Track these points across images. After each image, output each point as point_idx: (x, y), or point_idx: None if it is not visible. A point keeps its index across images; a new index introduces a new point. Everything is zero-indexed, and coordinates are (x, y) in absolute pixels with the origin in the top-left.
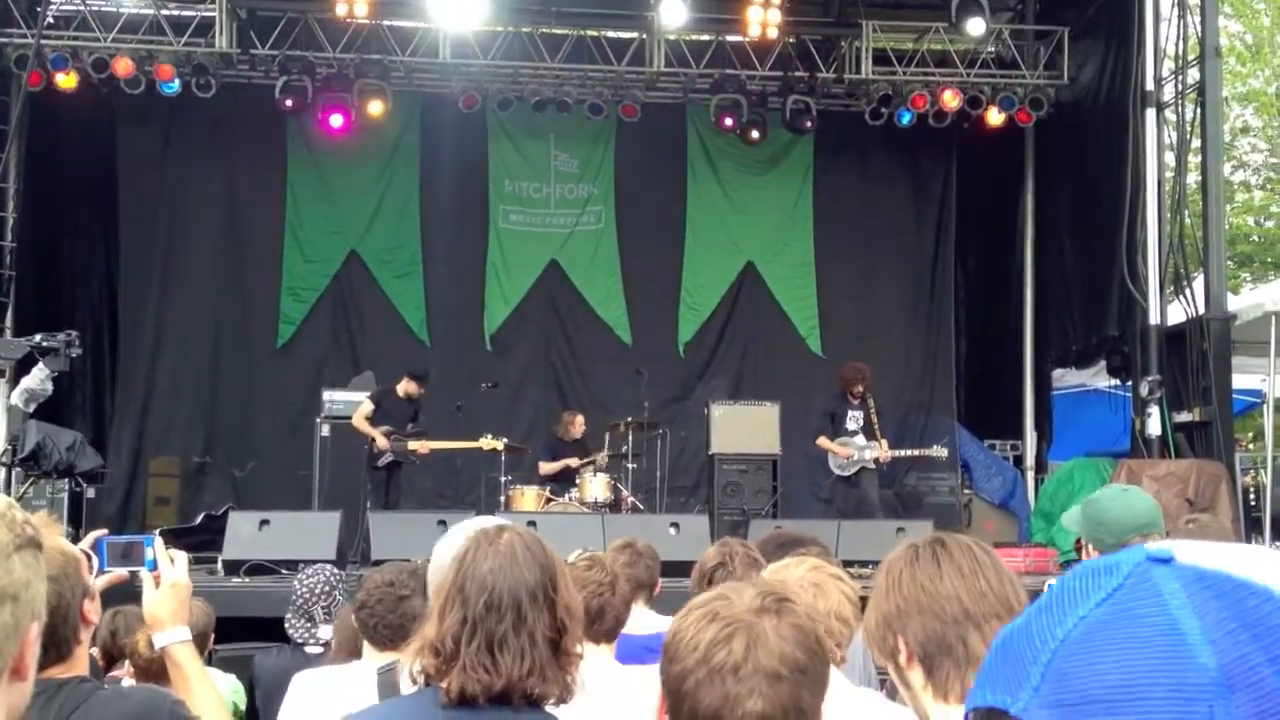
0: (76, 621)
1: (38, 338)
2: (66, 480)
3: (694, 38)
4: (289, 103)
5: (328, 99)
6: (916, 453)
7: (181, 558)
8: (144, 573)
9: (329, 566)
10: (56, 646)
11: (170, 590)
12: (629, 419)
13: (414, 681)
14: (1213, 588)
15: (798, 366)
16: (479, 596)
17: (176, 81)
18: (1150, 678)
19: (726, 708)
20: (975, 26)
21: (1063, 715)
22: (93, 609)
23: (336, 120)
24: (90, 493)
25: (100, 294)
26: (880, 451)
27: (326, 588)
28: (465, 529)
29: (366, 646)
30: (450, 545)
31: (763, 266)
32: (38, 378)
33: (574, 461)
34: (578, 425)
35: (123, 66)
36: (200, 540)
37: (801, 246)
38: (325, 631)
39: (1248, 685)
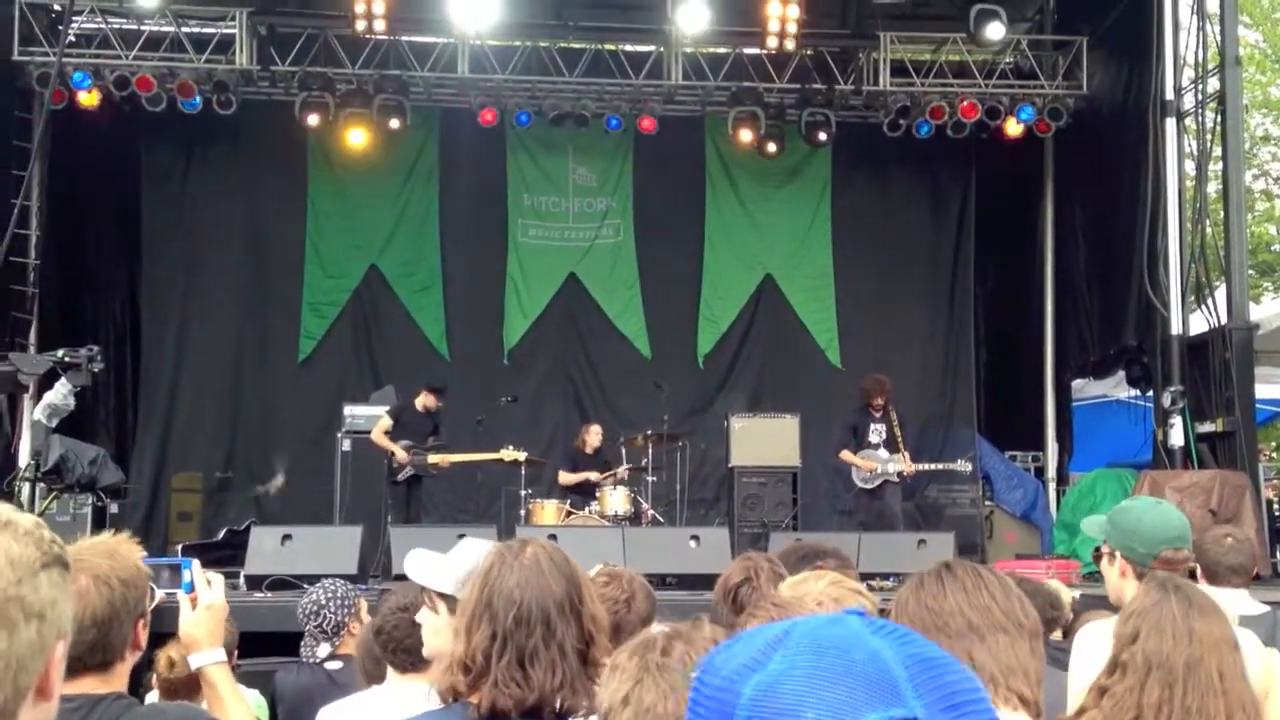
0: (129, 636)
1: (60, 353)
2: (89, 495)
3: (711, 50)
4: (310, 119)
5: (348, 115)
6: (940, 466)
7: (218, 580)
8: (181, 594)
9: (327, 581)
10: (103, 651)
11: (207, 612)
12: (648, 432)
13: (443, 701)
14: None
15: (817, 379)
16: (508, 611)
17: (198, 98)
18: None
19: None
20: (994, 31)
21: None
22: (144, 634)
23: (356, 136)
24: (114, 508)
25: (123, 310)
26: (904, 464)
27: (315, 608)
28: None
29: (390, 670)
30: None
31: (781, 279)
32: (60, 393)
33: (594, 475)
34: (593, 435)
35: (144, 84)
36: (223, 555)
37: (820, 259)
38: (323, 650)
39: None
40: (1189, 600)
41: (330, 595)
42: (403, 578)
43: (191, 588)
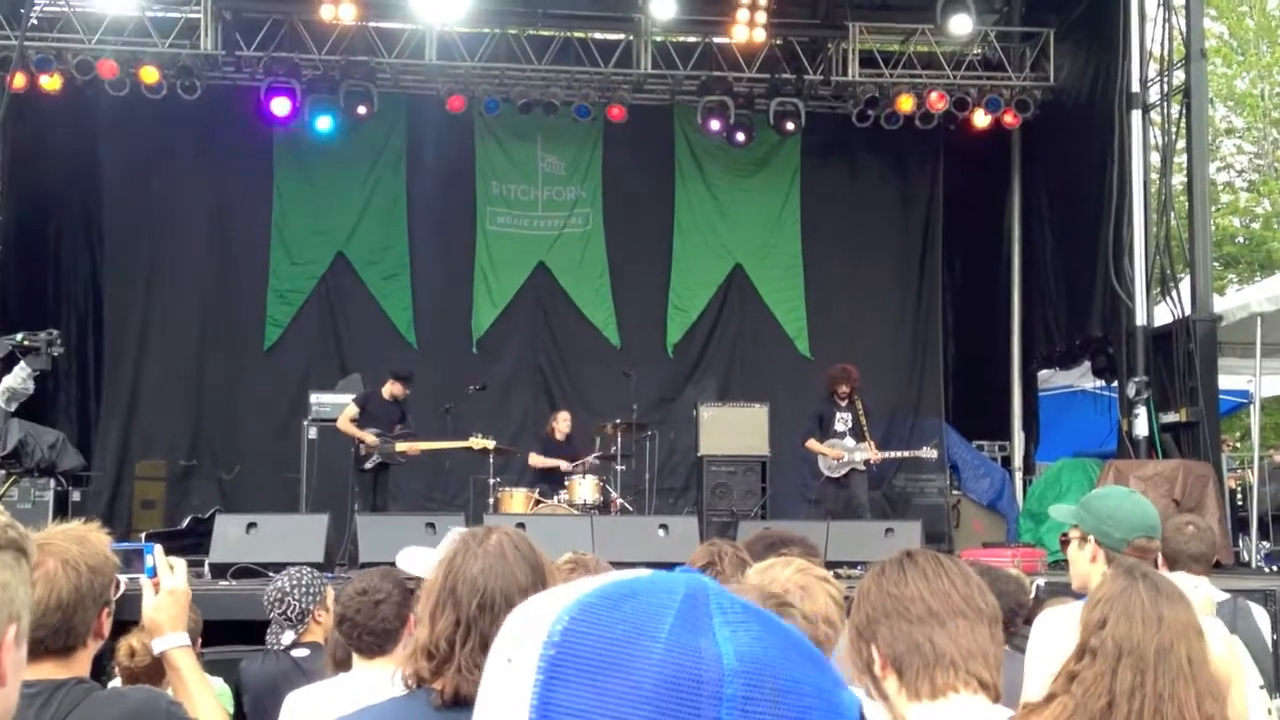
0: (92, 622)
1: (19, 336)
2: (50, 480)
3: (681, 40)
4: (284, 105)
5: (314, 101)
6: (906, 454)
7: (180, 565)
8: (144, 579)
9: (293, 569)
10: (66, 636)
11: (170, 597)
12: (617, 420)
13: (406, 687)
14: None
15: (786, 368)
16: (471, 598)
17: (162, 84)
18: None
19: None
20: (960, 25)
21: None
22: (107, 622)
23: (323, 122)
24: (76, 495)
25: (86, 296)
26: (871, 452)
27: (279, 595)
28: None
29: (355, 657)
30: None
31: (751, 268)
32: (19, 376)
33: (565, 465)
34: (562, 423)
35: (107, 68)
36: (187, 543)
37: (789, 248)
38: (287, 637)
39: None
40: (1156, 587)
41: (295, 583)
42: (370, 565)
43: (154, 572)
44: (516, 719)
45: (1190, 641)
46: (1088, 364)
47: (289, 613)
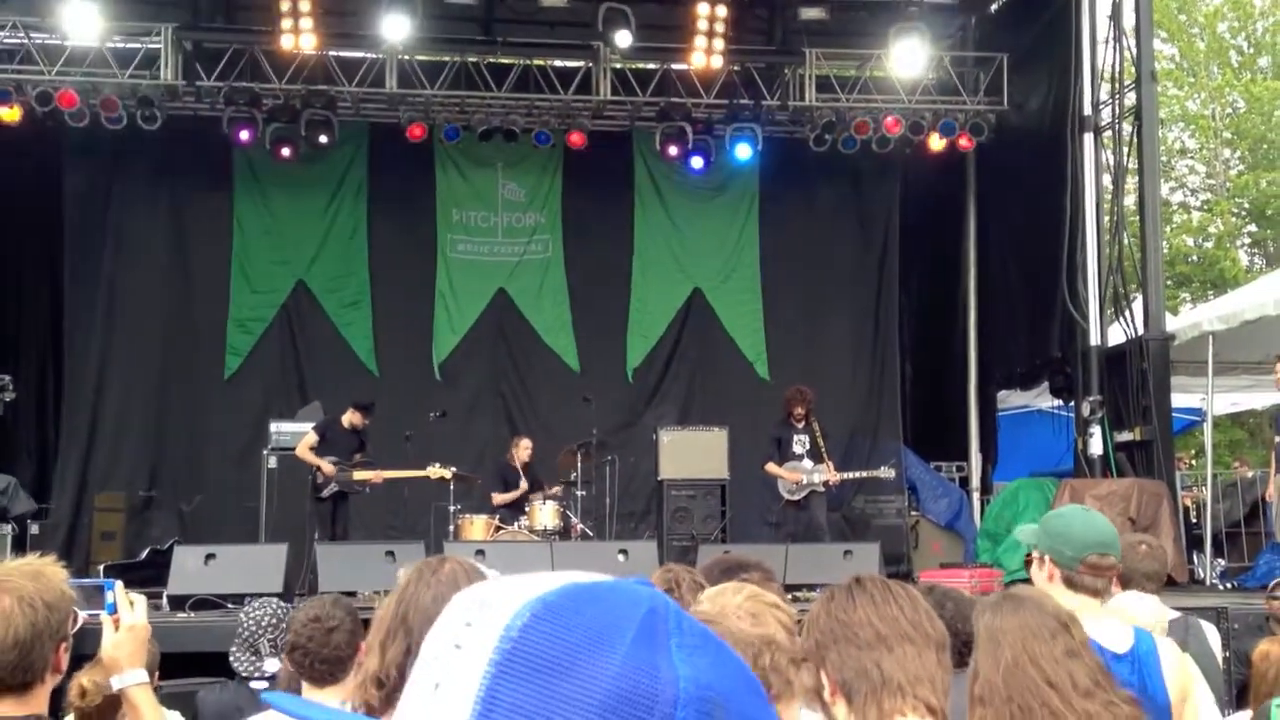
0: (49, 658)
1: None
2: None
3: (639, 67)
4: (244, 134)
5: (274, 130)
6: (864, 474)
7: (141, 601)
8: (104, 615)
9: (275, 599)
10: (24, 673)
11: (129, 633)
12: (578, 446)
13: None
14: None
15: (745, 391)
16: (424, 627)
17: (122, 114)
18: None
19: None
20: (907, 63)
21: None
22: (65, 657)
23: (284, 151)
24: (34, 528)
25: (46, 326)
26: (829, 474)
27: (274, 620)
28: None
29: (305, 686)
30: None
31: (710, 293)
32: None
33: (527, 489)
34: (522, 450)
35: (67, 100)
36: (145, 575)
37: (748, 273)
38: (271, 665)
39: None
40: (999, 606)
41: (287, 609)
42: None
43: (114, 609)
44: (459, 708)
45: (1026, 642)
46: (1046, 384)
47: (279, 640)
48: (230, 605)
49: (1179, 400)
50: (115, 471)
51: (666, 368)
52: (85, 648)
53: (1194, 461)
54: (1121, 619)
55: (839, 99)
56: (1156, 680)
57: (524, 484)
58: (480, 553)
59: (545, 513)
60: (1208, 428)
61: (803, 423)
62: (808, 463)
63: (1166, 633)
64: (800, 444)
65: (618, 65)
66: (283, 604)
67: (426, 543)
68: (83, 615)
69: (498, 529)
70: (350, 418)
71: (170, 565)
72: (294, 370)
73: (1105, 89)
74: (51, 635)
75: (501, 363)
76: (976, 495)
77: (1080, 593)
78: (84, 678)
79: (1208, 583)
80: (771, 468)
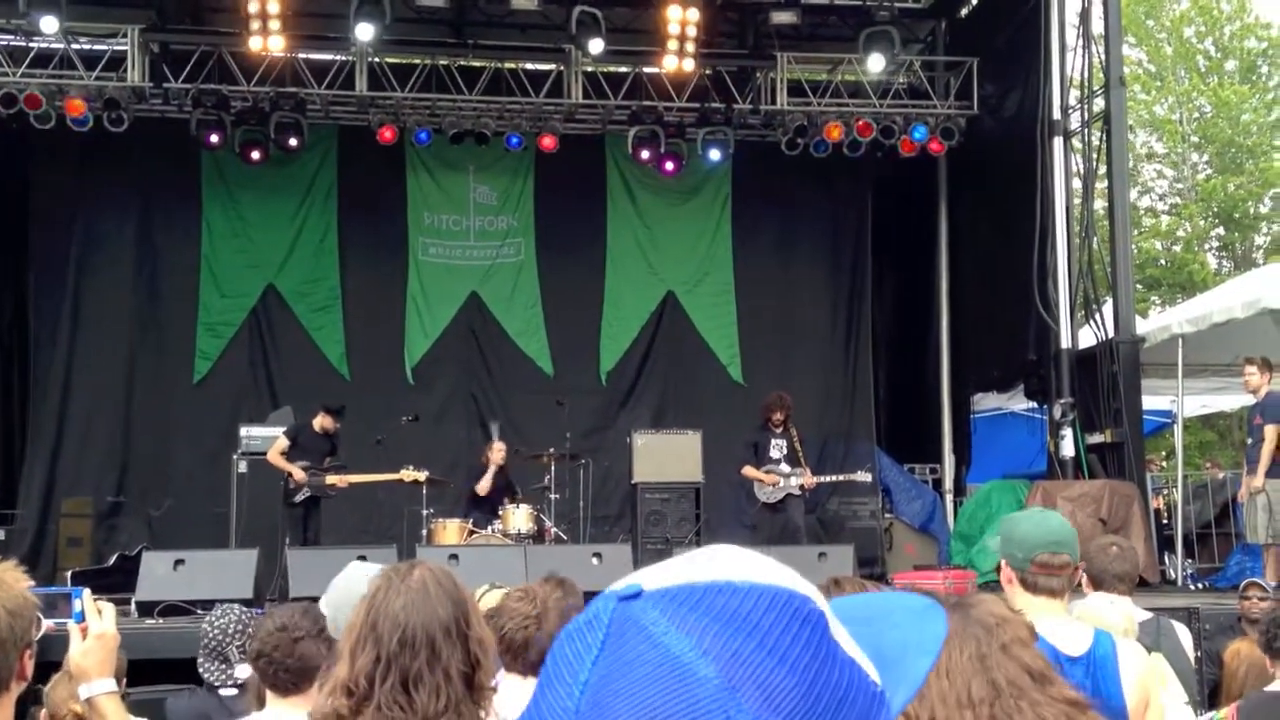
0: (14, 666)
1: None
2: None
3: (611, 70)
4: (213, 137)
5: (243, 133)
6: (840, 478)
7: (109, 609)
8: (71, 624)
9: (238, 605)
10: None
11: (98, 642)
12: (551, 450)
13: None
14: (685, 602)
15: (719, 394)
16: (392, 634)
17: (88, 116)
18: (666, 711)
19: None
20: (875, 63)
21: None
22: (30, 664)
23: (253, 154)
24: (0, 535)
25: (10, 332)
26: (805, 478)
27: (240, 626)
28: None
29: (269, 695)
30: (347, 585)
31: (683, 296)
32: None
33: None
34: (496, 452)
35: (32, 101)
36: (113, 581)
37: (721, 276)
38: (242, 671)
39: (748, 679)
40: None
41: (251, 615)
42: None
43: (82, 617)
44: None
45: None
46: (1021, 386)
47: (247, 645)
48: (200, 611)
49: (1149, 402)
50: (83, 477)
51: (640, 371)
52: (52, 654)
53: (1165, 463)
54: (1091, 620)
55: (810, 103)
56: (1113, 683)
57: (498, 485)
58: (454, 557)
59: (519, 517)
60: (1178, 429)
61: (781, 428)
62: (785, 466)
63: (1138, 634)
64: (778, 448)
65: (589, 68)
66: (246, 610)
67: (399, 547)
68: (49, 624)
69: (471, 533)
70: (321, 422)
71: (139, 571)
72: (264, 374)
73: (1074, 94)
74: (15, 642)
75: (474, 366)
76: (950, 497)
77: (1038, 594)
78: (76, 705)
79: (1179, 583)
80: (749, 471)
